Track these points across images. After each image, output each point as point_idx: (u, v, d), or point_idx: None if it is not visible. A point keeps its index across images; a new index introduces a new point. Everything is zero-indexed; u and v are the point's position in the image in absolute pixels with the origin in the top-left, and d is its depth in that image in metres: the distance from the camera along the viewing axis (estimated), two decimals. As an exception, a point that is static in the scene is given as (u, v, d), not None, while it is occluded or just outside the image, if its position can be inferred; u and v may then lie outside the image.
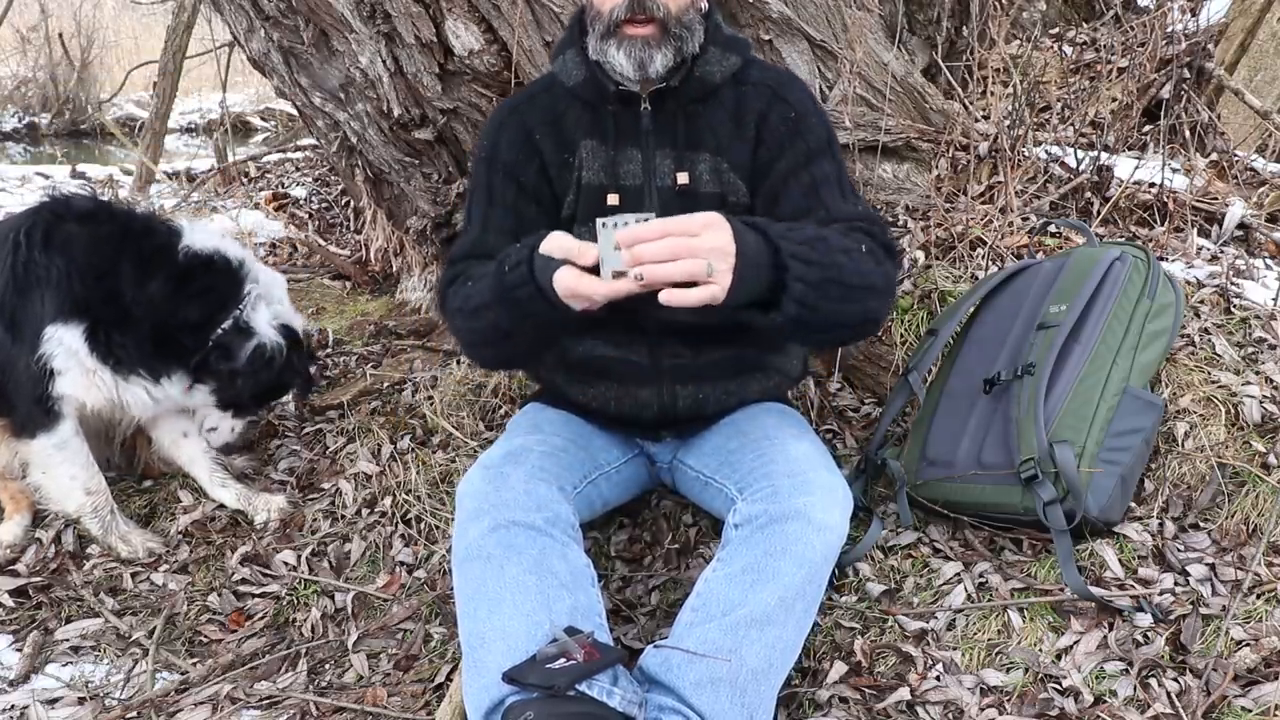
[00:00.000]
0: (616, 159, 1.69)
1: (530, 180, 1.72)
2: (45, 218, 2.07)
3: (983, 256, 2.29)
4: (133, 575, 2.13)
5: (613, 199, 1.69)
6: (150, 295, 2.08)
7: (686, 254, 1.23)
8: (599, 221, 1.26)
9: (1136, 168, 2.47)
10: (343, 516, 2.22)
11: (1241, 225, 2.40)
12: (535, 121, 1.73)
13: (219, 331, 2.16)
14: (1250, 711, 1.39)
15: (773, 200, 1.65)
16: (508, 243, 1.59)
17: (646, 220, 1.24)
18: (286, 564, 2.11)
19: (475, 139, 1.89)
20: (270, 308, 2.24)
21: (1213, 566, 1.63)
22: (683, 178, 1.67)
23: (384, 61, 2.30)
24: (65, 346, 2.03)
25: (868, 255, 1.47)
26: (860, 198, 1.71)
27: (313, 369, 2.47)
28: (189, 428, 2.34)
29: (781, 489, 1.50)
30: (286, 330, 2.26)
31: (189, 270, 2.13)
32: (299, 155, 5.17)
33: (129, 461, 2.46)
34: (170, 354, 2.15)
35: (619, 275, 1.26)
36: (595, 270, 1.30)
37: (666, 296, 1.25)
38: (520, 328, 1.49)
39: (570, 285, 1.32)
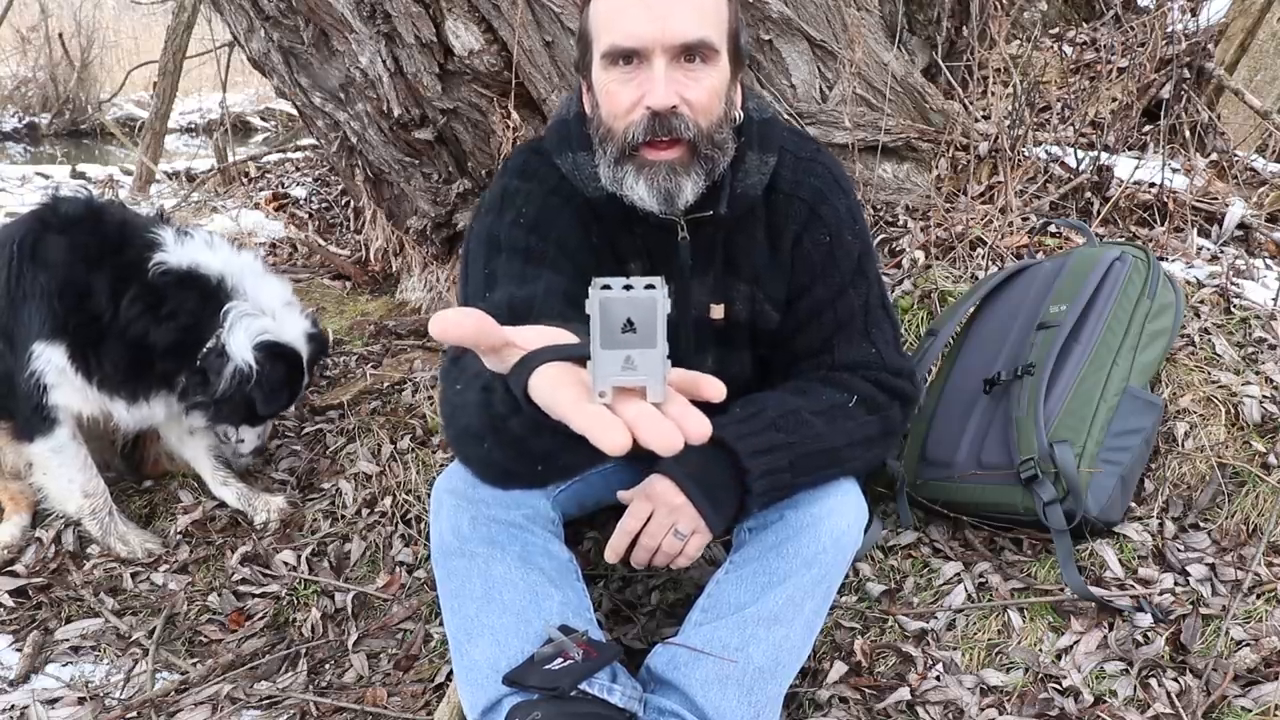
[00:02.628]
0: None
1: (589, 274, 1.31)
2: (35, 226, 2.03)
3: (983, 256, 2.29)
4: (133, 575, 2.13)
5: None
6: (122, 316, 1.97)
7: (658, 543, 1.39)
8: (596, 288, 0.76)
9: (1136, 168, 2.47)
10: (343, 516, 2.22)
11: (1241, 225, 2.40)
12: (588, 215, 1.48)
13: (202, 354, 2.02)
14: (1250, 711, 1.39)
15: (793, 334, 1.56)
16: (559, 306, 1.25)
17: (653, 288, 0.76)
18: (286, 564, 2.11)
19: (480, 166, 1.64)
20: (257, 321, 2.06)
21: (1213, 566, 1.63)
22: (718, 311, 1.54)
23: (384, 61, 2.30)
24: (53, 364, 2.01)
25: (857, 407, 1.45)
26: (890, 320, 1.57)
27: (310, 376, 2.29)
28: (195, 424, 2.33)
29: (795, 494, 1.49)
30: (269, 346, 2.06)
31: (160, 290, 1.99)
32: (299, 155, 5.16)
33: (135, 459, 2.46)
34: (149, 377, 2.05)
35: (625, 393, 0.75)
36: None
37: (671, 558, 1.41)
38: (524, 466, 1.03)
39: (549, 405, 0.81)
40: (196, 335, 2.03)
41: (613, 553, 1.41)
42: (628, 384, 0.74)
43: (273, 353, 2.07)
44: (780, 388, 1.52)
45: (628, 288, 0.76)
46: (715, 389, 0.79)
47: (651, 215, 1.40)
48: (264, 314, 2.08)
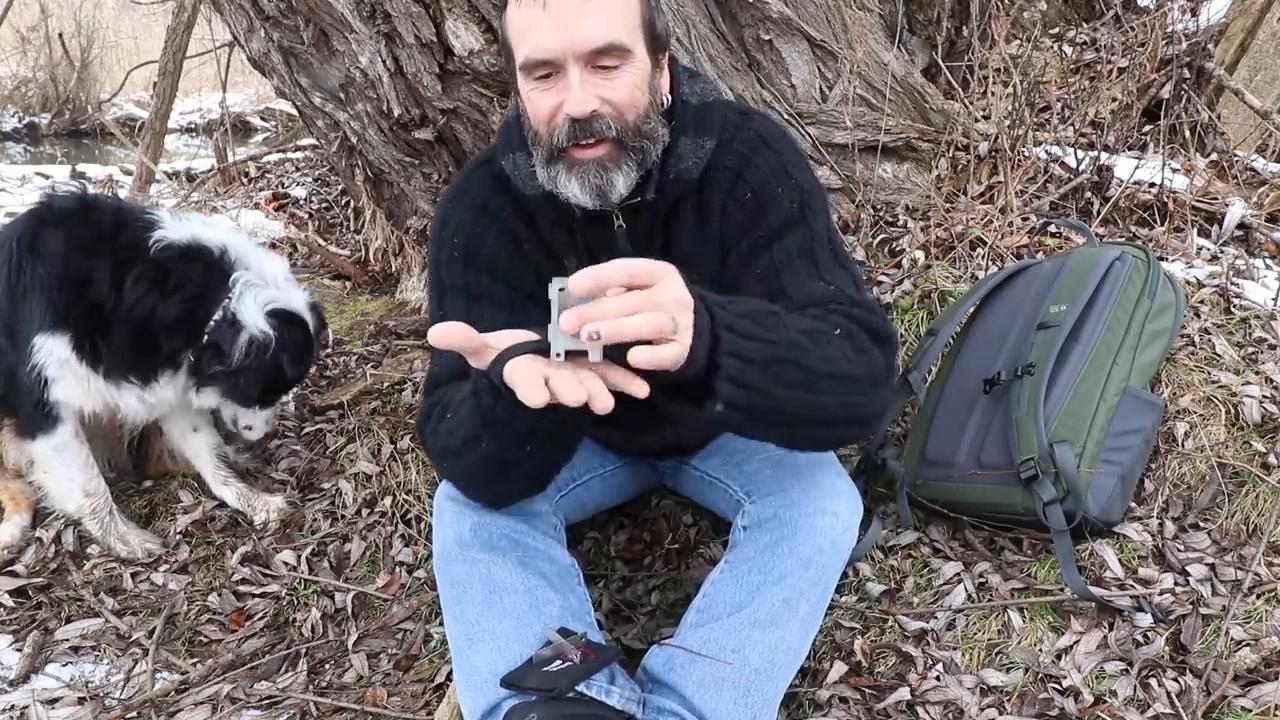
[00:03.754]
0: None
1: (528, 286, 1.49)
2: (32, 222, 2.04)
3: (983, 256, 2.29)
4: (133, 575, 2.13)
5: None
6: (126, 297, 1.97)
7: (648, 307, 1.04)
8: (554, 284, 1.04)
9: (1136, 168, 2.47)
10: (343, 516, 2.22)
11: (1241, 225, 2.40)
12: (518, 229, 1.51)
13: (210, 326, 2.02)
14: (1250, 711, 1.39)
15: (734, 287, 1.45)
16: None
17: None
18: (286, 564, 2.11)
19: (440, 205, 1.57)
20: (265, 291, 2.06)
21: (1213, 566, 1.63)
22: None
23: (384, 61, 2.30)
24: (55, 356, 2.01)
25: (842, 339, 1.28)
26: (848, 270, 1.44)
27: (319, 350, 2.29)
28: (199, 422, 2.33)
29: (791, 492, 1.49)
30: (282, 314, 2.08)
31: (163, 265, 2.00)
32: (299, 155, 5.17)
33: (140, 457, 2.46)
34: (158, 356, 2.05)
35: (573, 355, 1.05)
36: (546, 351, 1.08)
37: (637, 357, 1.03)
38: (517, 453, 1.29)
39: (520, 386, 1.06)
40: (204, 308, 2.03)
41: (590, 278, 1.04)
42: (575, 348, 1.04)
43: (286, 319, 2.08)
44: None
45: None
46: (640, 387, 1.07)
47: (586, 209, 1.42)
48: (269, 284, 2.09)
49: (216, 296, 2.03)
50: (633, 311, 1.02)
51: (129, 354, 2.03)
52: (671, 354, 1.05)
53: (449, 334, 1.09)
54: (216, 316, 2.02)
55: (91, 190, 2.19)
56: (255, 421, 2.23)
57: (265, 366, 2.05)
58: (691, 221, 1.50)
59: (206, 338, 2.03)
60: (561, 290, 1.03)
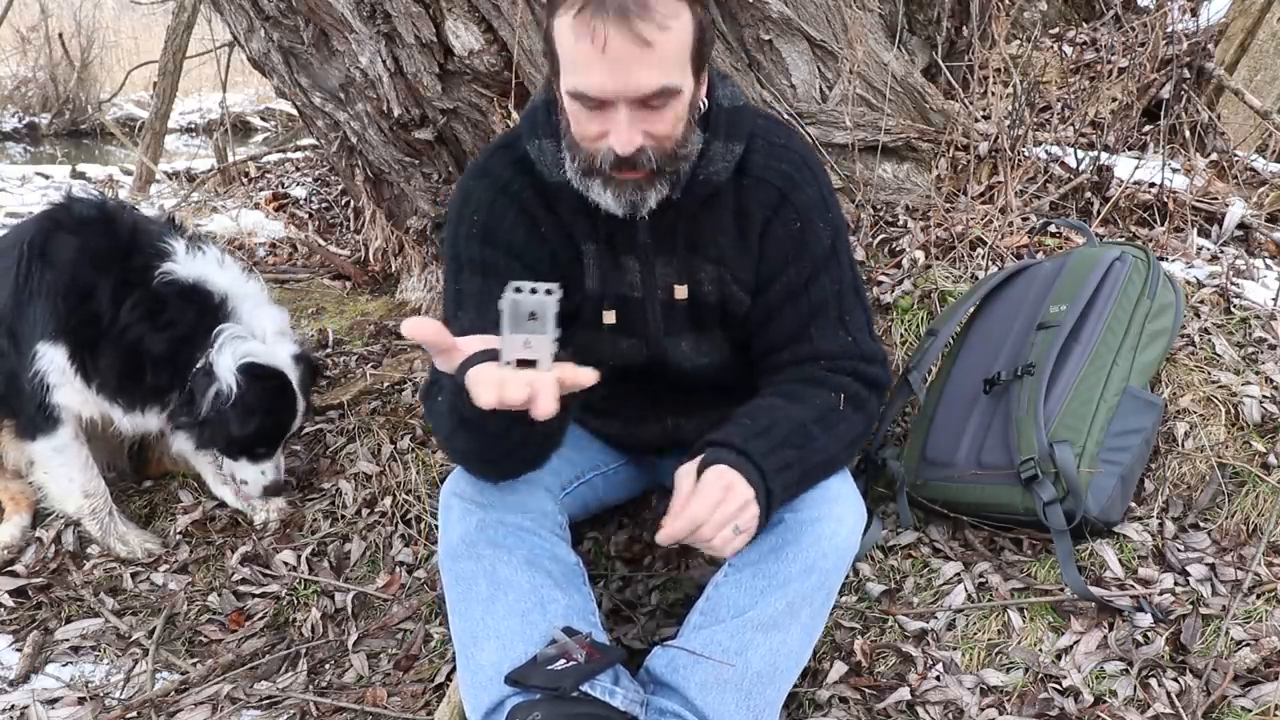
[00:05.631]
0: (612, 269, 1.55)
1: (543, 268, 1.52)
2: (47, 224, 2.04)
3: (983, 256, 2.29)
4: (133, 575, 2.13)
5: (609, 316, 1.57)
6: (120, 320, 1.97)
7: (717, 534, 1.29)
8: (508, 292, 1.07)
9: (1136, 168, 2.47)
10: (343, 516, 2.22)
11: (1241, 225, 2.40)
12: (537, 211, 1.53)
13: (192, 373, 2.00)
14: (1250, 711, 1.39)
15: (766, 319, 1.56)
16: None
17: (550, 293, 1.07)
18: (286, 564, 2.11)
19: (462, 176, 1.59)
20: (245, 344, 2.02)
21: (1213, 566, 1.63)
22: (681, 291, 1.55)
23: (384, 61, 2.30)
24: (56, 365, 2.01)
25: (847, 405, 1.48)
26: (863, 309, 1.58)
27: (301, 403, 2.15)
28: (183, 448, 2.31)
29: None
30: (253, 369, 2.02)
31: (161, 299, 1.99)
32: (299, 155, 5.16)
33: (140, 459, 2.46)
34: (144, 388, 2.03)
35: (525, 364, 1.08)
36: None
37: (716, 550, 1.31)
38: (496, 450, 1.37)
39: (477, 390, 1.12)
40: (189, 351, 2.01)
41: (668, 536, 1.30)
42: (525, 357, 1.07)
43: (253, 374, 2.02)
44: (773, 392, 1.50)
45: (534, 290, 1.06)
46: (588, 375, 1.12)
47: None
48: (254, 338, 2.05)
49: (202, 343, 2.01)
50: (714, 535, 1.29)
51: (116, 376, 2.02)
52: (739, 544, 1.32)
53: (421, 329, 1.13)
54: (199, 365, 2.01)
55: (113, 201, 2.17)
56: (248, 475, 2.15)
57: (226, 420, 2.01)
58: (731, 227, 1.52)
59: (188, 385, 2.01)
60: (515, 299, 1.07)
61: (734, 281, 1.54)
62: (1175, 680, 1.46)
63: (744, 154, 1.48)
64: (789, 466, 1.38)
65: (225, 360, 2.00)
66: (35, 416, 2.09)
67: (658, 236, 1.51)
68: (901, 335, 2.20)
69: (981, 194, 2.50)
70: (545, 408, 1.07)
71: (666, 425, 1.74)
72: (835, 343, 1.53)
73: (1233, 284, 2.14)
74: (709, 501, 1.29)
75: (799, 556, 1.42)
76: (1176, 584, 1.61)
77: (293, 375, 2.09)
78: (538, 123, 1.48)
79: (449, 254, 1.57)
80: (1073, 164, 2.58)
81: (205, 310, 2.03)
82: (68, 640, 1.95)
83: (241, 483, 2.18)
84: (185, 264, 2.04)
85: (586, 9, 1.24)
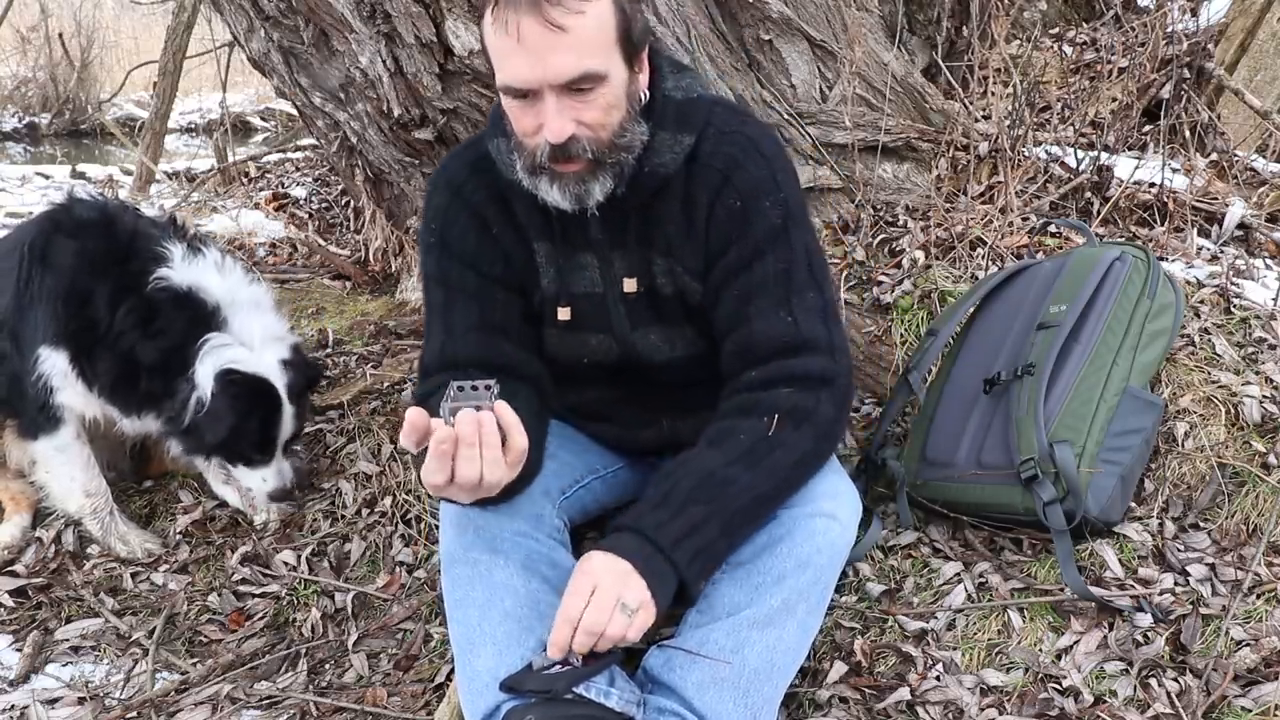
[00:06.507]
0: (568, 267, 1.56)
1: (495, 271, 1.56)
2: (47, 227, 2.04)
3: (983, 256, 2.29)
4: (133, 575, 2.13)
5: (563, 314, 1.57)
6: (115, 326, 1.96)
7: (605, 620, 1.27)
8: (453, 388, 1.26)
9: (1136, 168, 2.47)
10: (343, 516, 2.22)
11: (1241, 225, 2.40)
12: (489, 211, 1.55)
13: (183, 380, 1.98)
14: (1250, 711, 1.39)
15: (713, 302, 1.54)
16: (475, 344, 1.51)
17: (490, 389, 1.26)
18: (286, 564, 2.11)
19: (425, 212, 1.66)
20: (228, 352, 2.00)
21: (1213, 566, 1.63)
22: (630, 284, 1.55)
23: (384, 61, 2.30)
24: (58, 369, 2.02)
25: (784, 426, 1.40)
26: (820, 292, 1.51)
27: (290, 405, 2.10)
28: (176, 454, 2.30)
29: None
30: (227, 375, 1.98)
31: (155, 306, 1.98)
32: (299, 155, 5.16)
33: (142, 458, 2.46)
34: (139, 394, 2.02)
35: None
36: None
37: (630, 640, 1.31)
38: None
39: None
40: (180, 359, 1.99)
41: (555, 647, 1.30)
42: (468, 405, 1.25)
43: (230, 381, 1.99)
44: (703, 439, 1.47)
45: (474, 388, 1.25)
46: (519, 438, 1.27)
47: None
48: (241, 345, 2.02)
49: (193, 351, 1.99)
50: (600, 632, 1.27)
51: (112, 381, 2.01)
52: (640, 626, 1.29)
53: (410, 429, 1.24)
54: (189, 373, 1.99)
55: (115, 203, 2.16)
56: (249, 482, 2.14)
57: (199, 428, 2.00)
58: (679, 215, 1.52)
59: (178, 394, 2.00)
60: (456, 393, 1.25)
61: (686, 272, 1.54)
62: (1175, 680, 1.46)
63: (695, 144, 1.48)
64: (697, 528, 1.34)
65: (205, 369, 1.99)
66: (38, 416, 2.09)
67: (610, 231, 1.52)
68: (901, 335, 2.20)
69: (981, 194, 2.50)
70: (467, 474, 1.22)
71: (663, 427, 1.74)
72: (774, 325, 1.47)
73: (1233, 284, 2.13)
74: (580, 592, 1.29)
75: (793, 552, 1.42)
76: (1176, 584, 1.61)
77: (279, 381, 2.05)
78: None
79: (422, 268, 1.63)
80: (1073, 164, 2.58)
81: (197, 318, 2.01)
82: (68, 640, 1.96)
83: (246, 490, 2.17)
84: (181, 270, 2.02)
85: (501, 3, 1.28)
